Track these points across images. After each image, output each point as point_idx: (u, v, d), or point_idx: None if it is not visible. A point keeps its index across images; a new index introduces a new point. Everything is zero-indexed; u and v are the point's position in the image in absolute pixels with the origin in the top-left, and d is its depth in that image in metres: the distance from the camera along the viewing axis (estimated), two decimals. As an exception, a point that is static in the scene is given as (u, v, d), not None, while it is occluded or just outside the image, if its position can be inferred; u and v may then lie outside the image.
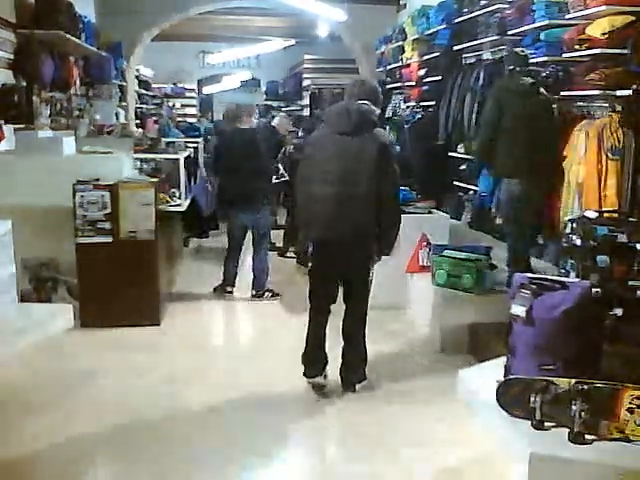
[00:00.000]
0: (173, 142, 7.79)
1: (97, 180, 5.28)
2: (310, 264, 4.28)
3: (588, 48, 5.14)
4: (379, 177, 3.94)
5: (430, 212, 6.26)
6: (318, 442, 3.80)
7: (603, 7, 4.91)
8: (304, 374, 4.26)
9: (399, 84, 10.42)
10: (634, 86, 4.61)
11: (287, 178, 7.70)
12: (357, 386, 4.22)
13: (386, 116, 10.08)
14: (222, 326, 5.94)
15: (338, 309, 4.25)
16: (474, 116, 7.01)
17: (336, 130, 4.04)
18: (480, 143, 5.72)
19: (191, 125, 11.75)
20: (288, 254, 7.90)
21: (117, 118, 10.15)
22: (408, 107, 9.61)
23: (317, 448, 3.76)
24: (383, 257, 4.23)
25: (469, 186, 7.52)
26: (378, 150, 3.93)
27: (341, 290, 4.26)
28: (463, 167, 7.76)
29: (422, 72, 9.10)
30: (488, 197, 6.52)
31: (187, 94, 18.67)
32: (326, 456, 3.69)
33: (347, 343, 4.24)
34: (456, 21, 8.03)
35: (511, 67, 5.60)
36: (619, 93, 4.86)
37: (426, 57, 8.98)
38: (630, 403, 2.39)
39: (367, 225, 4.02)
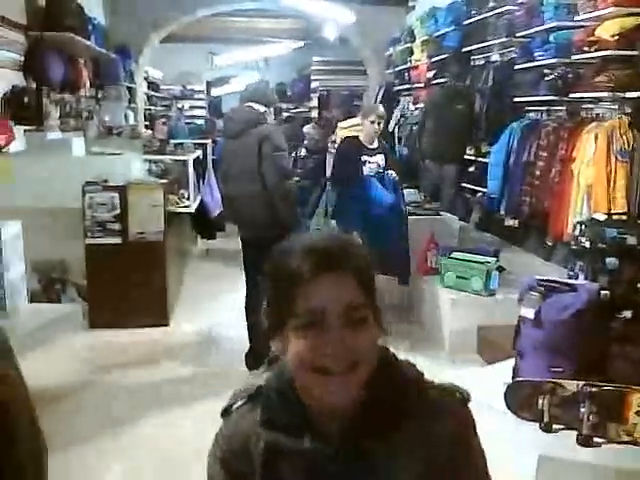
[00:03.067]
0: (182, 144, 7.81)
1: (106, 181, 5.30)
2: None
3: (597, 50, 5.13)
4: (263, 169, 4.35)
5: (438, 214, 6.25)
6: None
7: (612, 9, 4.90)
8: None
9: (408, 86, 10.42)
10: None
11: None
12: None
13: (395, 118, 10.08)
14: (231, 327, 5.95)
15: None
16: (483, 117, 7.01)
17: (226, 135, 4.67)
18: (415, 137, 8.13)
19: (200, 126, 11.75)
20: None
21: (126, 120, 10.18)
22: (417, 109, 9.61)
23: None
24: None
25: (477, 188, 7.51)
26: (257, 143, 4.35)
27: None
28: (471, 169, 7.75)
29: (431, 74, 9.10)
30: (497, 199, 6.51)
31: (196, 96, 18.70)
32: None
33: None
34: (465, 23, 8.02)
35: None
36: (628, 95, 4.85)
37: (435, 59, 8.98)
38: (639, 406, 2.38)
39: (266, 216, 4.41)
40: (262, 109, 4.58)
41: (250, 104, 4.57)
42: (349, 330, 1.08)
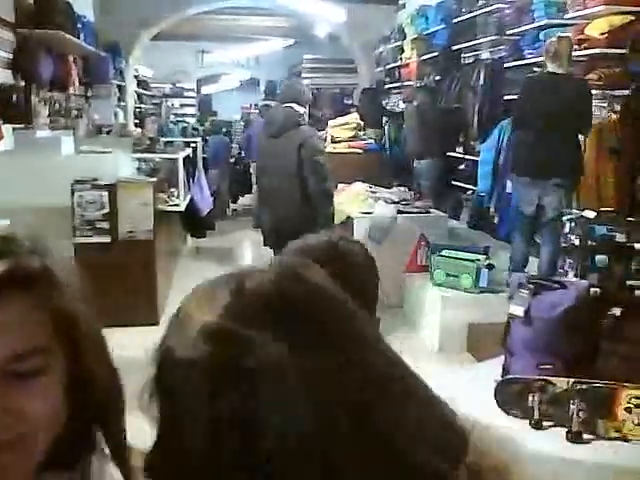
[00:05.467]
0: (172, 142, 7.79)
1: (95, 180, 5.28)
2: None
3: (587, 48, 5.15)
4: (304, 169, 4.53)
5: (428, 212, 6.26)
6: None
7: (602, 7, 4.92)
8: None
9: (398, 84, 10.43)
10: (633, 86, 4.62)
11: None
12: None
13: (385, 116, 10.09)
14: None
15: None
16: (473, 116, 7.03)
17: (267, 133, 4.78)
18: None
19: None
20: None
21: (116, 118, 10.15)
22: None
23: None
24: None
25: (468, 186, 7.52)
26: (299, 145, 4.53)
27: None
28: (462, 167, 7.77)
29: (418, 72, 9.12)
30: (486, 197, 6.52)
31: (186, 94, 18.64)
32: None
33: None
34: (455, 21, 8.03)
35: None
36: (618, 93, 4.86)
37: (425, 57, 8.98)
38: (628, 402, 2.39)
39: (299, 210, 4.59)
40: (302, 110, 4.76)
41: (290, 104, 4.69)
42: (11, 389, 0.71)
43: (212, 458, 0.61)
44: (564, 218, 4.29)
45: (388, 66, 10.95)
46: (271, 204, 4.79)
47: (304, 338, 0.62)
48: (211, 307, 0.65)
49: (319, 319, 0.64)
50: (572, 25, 5.44)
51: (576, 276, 3.38)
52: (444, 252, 5.24)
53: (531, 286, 2.80)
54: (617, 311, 2.78)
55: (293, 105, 4.70)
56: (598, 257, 3.28)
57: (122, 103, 11.09)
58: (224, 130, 11.78)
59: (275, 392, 0.60)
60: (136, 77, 13.05)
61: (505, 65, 6.60)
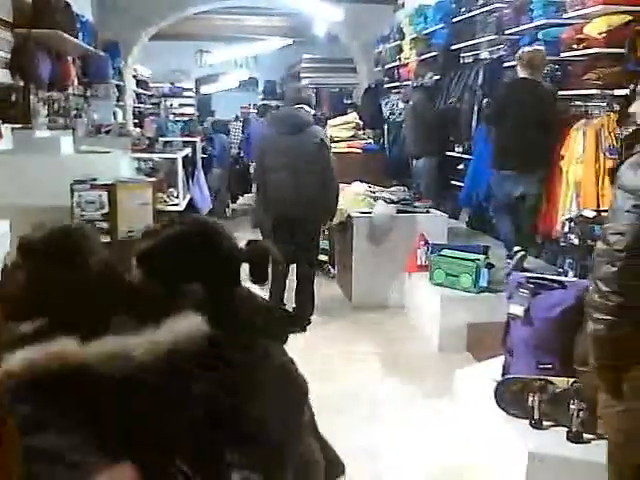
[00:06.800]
0: (171, 142, 7.78)
1: (95, 180, 5.27)
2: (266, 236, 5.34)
3: (585, 47, 5.14)
4: (320, 163, 5.04)
5: (428, 211, 6.26)
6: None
7: (600, 7, 4.92)
8: None
9: (397, 83, 10.42)
10: (631, 85, 4.62)
11: None
12: None
13: (384, 116, 10.08)
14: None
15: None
16: (472, 115, 7.02)
17: (280, 131, 5.13)
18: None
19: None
20: None
21: (115, 117, 10.13)
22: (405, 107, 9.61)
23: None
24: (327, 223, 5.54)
25: (467, 185, 7.51)
26: (318, 144, 5.05)
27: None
28: (461, 166, 7.77)
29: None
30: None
31: (185, 93, 18.63)
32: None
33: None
34: (454, 20, 8.03)
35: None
36: (617, 92, 4.86)
37: (424, 56, 8.98)
38: (628, 402, 2.38)
39: (315, 200, 5.05)
40: (312, 111, 5.35)
41: (302, 106, 5.17)
42: None
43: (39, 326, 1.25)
44: (564, 218, 4.30)
45: (387, 66, 10.94)
46: (291, 196, 5.03)
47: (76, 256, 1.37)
48: (29, 239, 1.40)
49: (95, 249, 1.45)
50: (571, 25, 5.43)
51: (576, 276, 3.38)
52: (444, 252, 5.24)
53: (531, 286, 2.80)
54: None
55: (305, 107, 5.18)
56: (597, 257, 3.28)
57: (121, 103, 11.08)
58: (226, 129, 11.74)
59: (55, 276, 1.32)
60: (135, 77, 13.03)
61: (504, 65, 6.59)
